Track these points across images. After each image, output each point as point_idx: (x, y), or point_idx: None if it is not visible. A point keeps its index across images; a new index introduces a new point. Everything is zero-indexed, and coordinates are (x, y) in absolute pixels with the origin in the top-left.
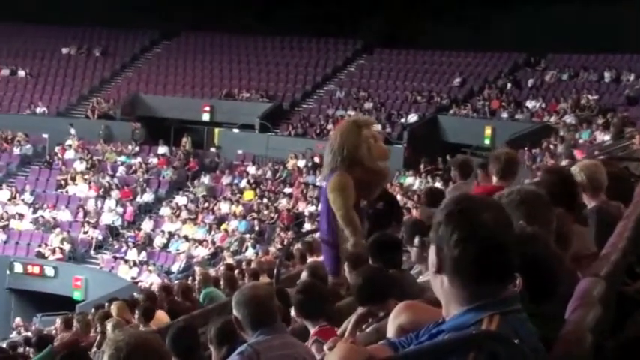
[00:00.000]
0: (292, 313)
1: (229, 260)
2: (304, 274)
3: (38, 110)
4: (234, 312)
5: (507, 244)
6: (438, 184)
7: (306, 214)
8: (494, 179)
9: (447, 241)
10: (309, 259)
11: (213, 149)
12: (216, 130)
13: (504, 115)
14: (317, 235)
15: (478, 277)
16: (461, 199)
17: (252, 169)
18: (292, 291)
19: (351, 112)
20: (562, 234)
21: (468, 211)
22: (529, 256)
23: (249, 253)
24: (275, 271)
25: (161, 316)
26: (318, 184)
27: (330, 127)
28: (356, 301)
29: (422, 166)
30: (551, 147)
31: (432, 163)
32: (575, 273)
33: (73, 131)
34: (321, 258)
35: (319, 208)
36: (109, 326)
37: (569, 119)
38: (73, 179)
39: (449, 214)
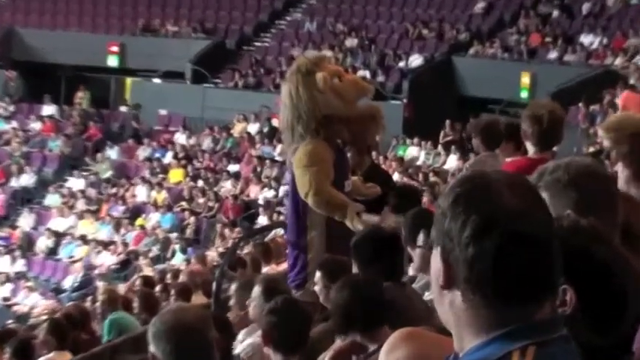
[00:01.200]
0: (240, 347)
1: (147, 271)
2: (256, 291)
3: None
4: (152, 347)
5: (544, 240)
6: (454, 157)
7: (261, 202)
8: (531, 149)
9: (457, 239)
10: (265, 269)
11: (123, 108)
12: (129, 80)
13: (549, 55)
14: (280, 232)
15: (505, 289)
16: (471, 177)
17: (181, 138)
18: (229, 315)
19: (327, 54)
20: (632, 228)
21: (483, 194)
22: (583, 261)
23: (177, 260)
24: (214, 286)
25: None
26: (278, 157)
27: None
28: (335, 327)
29: (442, 134)
30: (617, 101)
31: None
32: None
33: None
34: (283, 266)
35: (283, 190)
36: None
37: None
38: None
39: (456, 200)
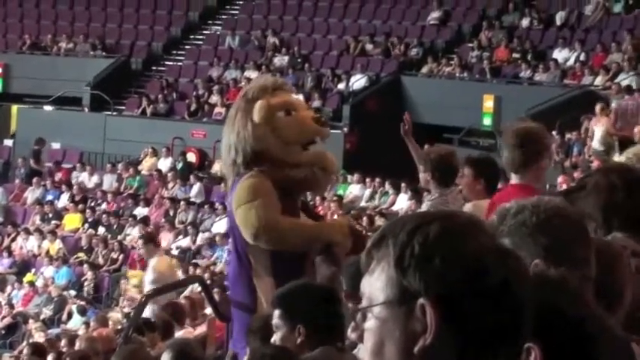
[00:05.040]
0: None
1: (38, 337)
2: (166, 358)
3: None
4: None
5: (512, 291)
6: (404, 197)
7: (175, 252)
8: (513, 177)
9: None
10: (179, 332)
11: (8, 142)
12: (14, 107)
13: (517, 74)
14: (197, 288)
15: (459, 349)
16: (411, 218)
17: (79, 176)
18: None
19: (252, 74)
20: (607, 280)
21: (431, 237)
22: (552, 318)
23: (75, 323)
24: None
25: None
26: (195, 199)
27: (215, 99)
28: None
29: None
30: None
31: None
32: (629, 347)
33: None
34: (200, 329)
35: (202, 238)
36: None
37: (627, 80)
38: None
39: (399, 246)
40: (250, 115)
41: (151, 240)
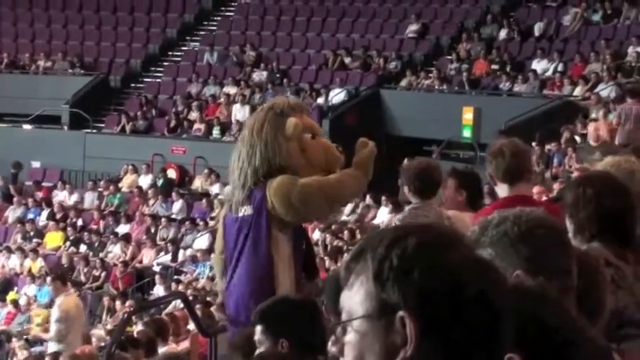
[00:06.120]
0: None
1: (22, 355)
2: None
3: None
4: None
5: (491, 302)
6: (385, 210)
7: (156, 268)
8: (505, 187)
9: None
10: (163, 349)
11: None
12: None
13: (497, 86)
14: (180, 304)
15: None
16: (389, 231)
17: (59, 194)
18: None
19: (231, 90)
20: (589, 290)
21: (409, 250)
22: (533, 328)
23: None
24: None
25: None
26: (176, 216)
27: (194, 115)
28: None
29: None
30: (578, 139)
31: None
32: (610, 357)
33: None
34: (183, 345)
35: (184, 254)
36: None
37: (606, 91)
38: None
39: (377, 260)
40: (281, 130)
41: (58, 278)
